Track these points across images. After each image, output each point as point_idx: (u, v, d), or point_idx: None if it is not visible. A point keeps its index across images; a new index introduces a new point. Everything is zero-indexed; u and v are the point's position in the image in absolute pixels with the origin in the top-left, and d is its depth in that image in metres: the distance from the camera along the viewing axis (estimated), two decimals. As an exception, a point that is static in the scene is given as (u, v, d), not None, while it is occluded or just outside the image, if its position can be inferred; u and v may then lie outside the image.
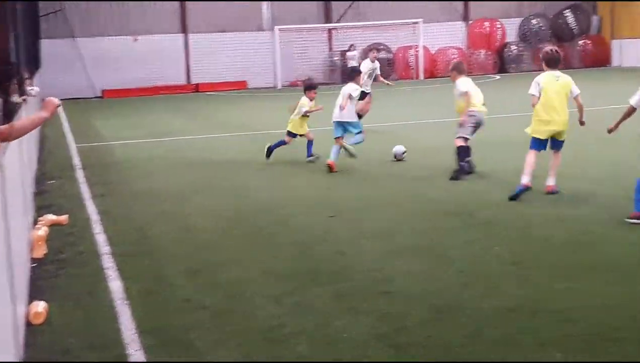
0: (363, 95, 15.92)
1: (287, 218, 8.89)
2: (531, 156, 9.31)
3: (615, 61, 41.07)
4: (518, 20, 41.84)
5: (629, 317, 5.30)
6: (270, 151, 13.36)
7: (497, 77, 38.11)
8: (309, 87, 13.47)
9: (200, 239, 8.13)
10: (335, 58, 40.15)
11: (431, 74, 39.08)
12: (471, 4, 41.61)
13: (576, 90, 9.58)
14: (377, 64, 18.19)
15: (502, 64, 41.08)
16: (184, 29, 38.21)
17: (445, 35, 40.71)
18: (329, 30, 40.58)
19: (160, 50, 37.28)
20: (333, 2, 40.44)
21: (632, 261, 6.51)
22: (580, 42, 41.44)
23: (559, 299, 5.73)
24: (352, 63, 35.61)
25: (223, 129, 19.25)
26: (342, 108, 12.24)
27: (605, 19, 42.79)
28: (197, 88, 37.09)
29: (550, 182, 9.44)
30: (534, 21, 41.52)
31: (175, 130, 19.35)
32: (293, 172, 12.24)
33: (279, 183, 11.32)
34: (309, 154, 13.17)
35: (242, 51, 38.62)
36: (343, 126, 12.26)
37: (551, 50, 9.72)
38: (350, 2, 40.73)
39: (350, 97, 12.27)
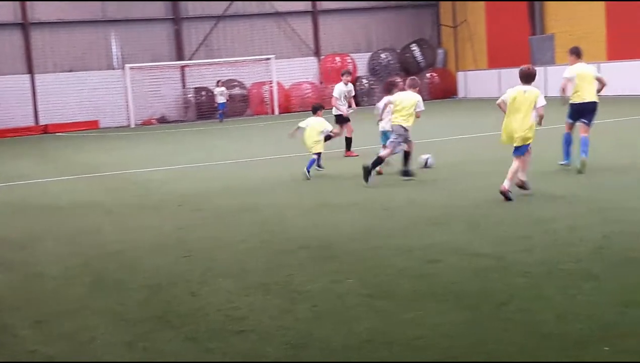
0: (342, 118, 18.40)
1: (138, 261, 8.63)
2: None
3: (461, 92, 42.72)
4: (368, 55, 42.95)
5: (469, 344, 5.40)
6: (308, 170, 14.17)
7: (350, 110, 38.77)
8: (319, 108, 15.21)
9: (46, 287, 7.77)
10: (189, 95, 39.90)
11: (286, 109, 39.44)
12: (321, 39, 42.39)
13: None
14: (350, 87, 19.35)
15: (355, 97, 41.88)
16: (29, 69, 37.02)
17: (298, 71, 41.29)
18: (182, 67, 40.32)
19: (5, 91, 36.00)
20: (185, 39, 40.24)
21: (473, 289, 6.65)
22: (428, 75, 42.92)
23: (409, 329, 5.77)
24: (221, 98, 35.69)
25: (72, 170, 18.66)
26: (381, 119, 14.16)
27: (450, 52, 44.54)
28: (46, 129, 35.97)
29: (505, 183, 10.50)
30: (383, 55, 42.73)
31: (22, 174, 18.61)
32: (144, 213, 11.95)
33: (129, 224, 11.01)
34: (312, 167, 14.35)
35: (93, 90, 37.81)
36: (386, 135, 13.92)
37: (527, 67, 10.89)
38: (202, 40, 40.64)
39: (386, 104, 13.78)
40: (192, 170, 17.39)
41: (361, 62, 42.57)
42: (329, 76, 41.72)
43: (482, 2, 41.59)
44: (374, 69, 42.73)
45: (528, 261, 7.36)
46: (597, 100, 12.99)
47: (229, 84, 39.22)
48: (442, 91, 42.60)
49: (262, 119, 35.83)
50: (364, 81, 42.23)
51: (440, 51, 44.62)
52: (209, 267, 8.08)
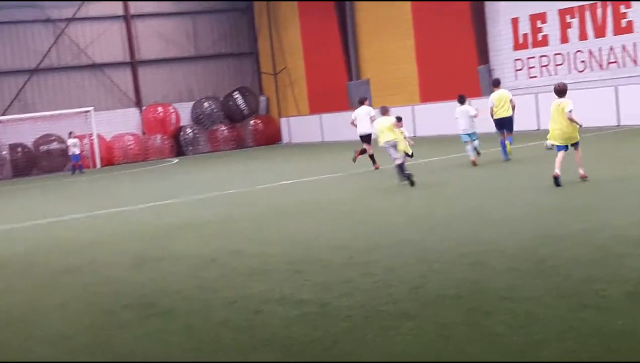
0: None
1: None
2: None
3: (285, 138, 43.45)
4: (190, 104, 42.93)
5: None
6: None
7: (175, 160, 38.61)
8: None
9: None
10: (4, 152, 38.30)
11: (108, 161, 38.66)
12: (142, 90, 42.01)
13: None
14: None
15: (179, 147, 41.77)
16: None
17: (119, 122, 40.65)
18: (-5, 123, 38.74)
19: None
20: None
21: (298, 336, 6.76)
22: (251, 122, 43.41)
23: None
24: (74, 150, 34.42)
25: None
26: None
27: (272, 99, 45.28)
28: None
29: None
30: (206, 104, 42.84)
31: None
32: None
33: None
34: None
35: None
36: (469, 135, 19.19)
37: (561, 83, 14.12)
38: (16, 94, 39.26)
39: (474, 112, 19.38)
40: (8, 230, 16.70)
41: (184, 112, 42.49)
42: (152, 127, 41.33)
43: (300, 49, 42.66)
44: (198, 118, 42.74)
45: (349, 305, 7.58)
46: (512, 115, 19.57)
47: (45, 139, 38.01)
48: (266, 138, 43.18)
49: (85, 173, 34.89)
50: (188, 130, 42.13)
51: (262, 98, 45.29)
52: (29, 334, 7.78)
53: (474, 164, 19.16)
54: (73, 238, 14.34)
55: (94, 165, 38.34)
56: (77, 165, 35.00)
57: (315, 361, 6.07)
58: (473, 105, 20.84)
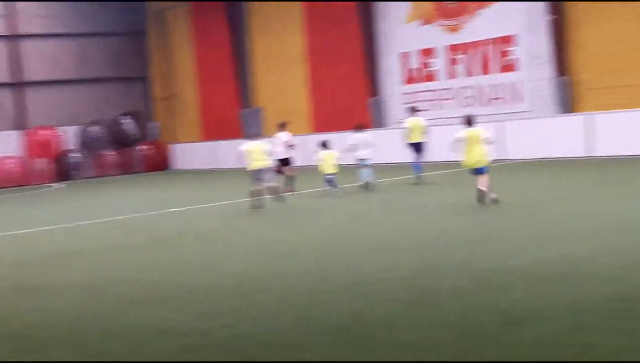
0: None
1: None
2: None
3: (175, 164, 42.90)
4: (77, 128, 41.84)
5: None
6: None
7: (58, 185, 37.56)
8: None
9: None
10: None
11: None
12: (27, 112, 40.79)
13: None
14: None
15: (64, 171, 40.61)
16: None
17: (-1, 145, 39.29)
18: None
19: None
20: None
21: None
22: (141, 148, 42.68)
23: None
24: None
25: None
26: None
27: (163, 125, 44.72)
28: None
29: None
30: (93, 128, 41.85)
31: None
32: None
33: None
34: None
35: None
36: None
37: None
38: None
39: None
40: None
41: (70, 135, 41.38)
42: (35, 150, 40.06)
43: (193, 76, 42.37)
44: (84, 142, 41.69)
45: (233, 335, 7.46)
46: (423, 141, 21.69)
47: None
48: (155, 164, 42.52)
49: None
50: (74, 155, 41.04)
51: (152, 124, 44.66)
52: None
53: (367, 188, 20.55)
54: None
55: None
56: None
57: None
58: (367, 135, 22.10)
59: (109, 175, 40.91)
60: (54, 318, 8.84)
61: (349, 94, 33.85)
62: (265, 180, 18.32)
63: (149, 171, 41.77)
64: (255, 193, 18.20)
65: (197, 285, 10.01)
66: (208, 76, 41.38)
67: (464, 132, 15.22)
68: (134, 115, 43.12)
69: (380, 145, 30.93)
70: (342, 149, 21.37)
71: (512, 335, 6.72)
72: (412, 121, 22.11)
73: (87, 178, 40.55)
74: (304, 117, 36.50)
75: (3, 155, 39.00)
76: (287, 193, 20.38)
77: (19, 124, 40.52)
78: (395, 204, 17.73)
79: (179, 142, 43.30)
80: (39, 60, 41.11)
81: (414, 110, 22.94)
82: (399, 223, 14.35)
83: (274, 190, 18.61)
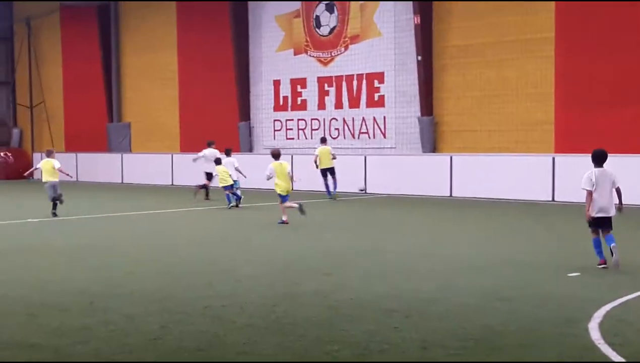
0: None
1: None
2: None
3: (38, 173, 41.51)
4: None
5: None
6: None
7: None
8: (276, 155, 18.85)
9: None
10: None
11: None
12: None
13: None
14: None
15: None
16: None
17: None
18: None
19: None
20: None
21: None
22: (2, 154, 41.25)
23: None
24: None
25: None
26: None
27: (27, 133, 43.41)
28: None
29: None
30: (-49, 131, 40.22)
31: None
32: None
33: None
34: None
35: None
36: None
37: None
38: None
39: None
40: None
41: None
42: None
43: (60, 85, 41.39)
44: (-60, 144, 39.96)
45: (83, 352, 7.42)
46: (333, 166, 25.75)
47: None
48: (17, 172, 41.09)
49: None
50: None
51: (15, 130, 43.25)
52: None
53: (237, 206, 22.63)
54: None
55: None
56: None
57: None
58: (236, 159, 24.22)
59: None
60: None
61: (219, 116, 33.93)
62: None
63: (9, 179, 40.38)
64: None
65: (47, 301, 9.85)
66: (76, 87, 40.54)
67: (272, 165, 18.45)
68: (-4, 120, 41.70)
69: (249, 169, 31.22)
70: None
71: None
72: (321, 149, 25.96)
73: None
74: (173, 135, 36.29)
75: None
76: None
77: None
78: (249, 227, 17.93)
79: (42, 151, 42.07)
80: None
81: (323, 140, 26.85)
82: (251, 249, 14.54)
83: None
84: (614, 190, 11.85)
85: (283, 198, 18.35)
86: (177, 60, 35.83)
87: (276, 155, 18.65)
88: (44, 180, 20.94)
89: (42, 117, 42.55)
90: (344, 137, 30.22)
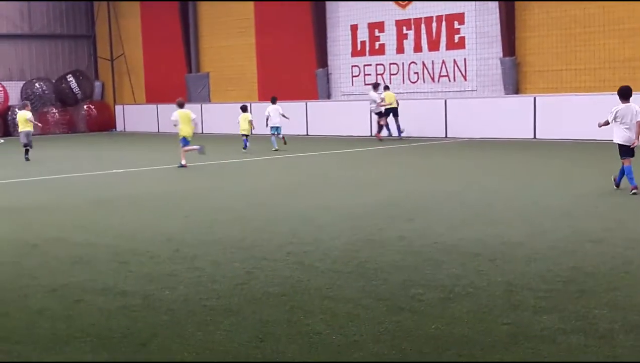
0: None
1: None
2: None
3: (120, 126, 42.46)
4: (21, 84, 41.13)
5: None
6: None
7: (1, 140, 36.93)
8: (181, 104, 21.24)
9: None
10: None
11: None
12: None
13: None
14: None
15: (6, 127, 39.92)
16: None
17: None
18: None
19: None
20: None
21: (117, 328, 6.66)
22: (85, 107, 42.10)
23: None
24: None
25: None
26: None
27: (108, 85, 44.16)
28: None
29: None
30: (37, 85, 41.14)
31: None
32: None
33: None
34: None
35: None
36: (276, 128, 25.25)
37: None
38: None
39: None
40: None
41: (14, 91, 40.62)
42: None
43: (139, 37, 41.85)
44: (28, 99, 40.93)
45: (172, 298, 7.55)
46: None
47: None
48: (99, 124, 42.05)
49: None
50: (17, 110, 40.27)
51: (97, 83, 44.06)
52: None
53: (276, 150, 24.51)
54: None
55: None
56: None
57: (130, 356, 5.99)
58: (280, 106, 25.98)
59: (52, 133, 40.34)
60: (-8, 275, 8.82)
61: (297, 63, 33.83)
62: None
63: (92, 131, 41.30)
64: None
65: (136, 249, 10.04)
66: (155, 38, 40.92)
67: (177, 112, 20.54)
68: (79, 73, 42.48)
69: (329, 117, 31.01)
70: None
71: (448, 311, 6.90)
72: (387, 94, 27.77)
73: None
74: (250, 84, 36.40)
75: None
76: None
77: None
78: (330, 176, 17.91)
79: (124, 103, 42.84)
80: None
81: (386, 88, 28.64)
82: (325, 199, 14.51)
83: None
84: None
85: (185, 142, 20.53)
86: (254, 9, 35.75)
87: (181, 104, 21.22)
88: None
89: (123, 69, 43.19)
90: (424, 81, 29.82)
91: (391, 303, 7.15)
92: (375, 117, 28.53)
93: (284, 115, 25.48)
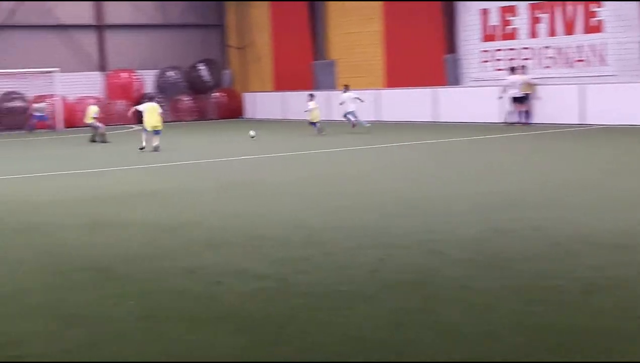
0: None
1: None
2: None
3: (248, 113, 43.20)
4: (155, 72, 42.43)
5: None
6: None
7: (137, 127, 38.19)
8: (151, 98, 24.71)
9: None
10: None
11: (71, 123, 38.01)
12: (108, 54, 41.50)
13: None
14: None
15: (141, 114, 41.28)
16: None
17: (82, 85, 40.02)
18: (-44, 76, 38.01)
19: None
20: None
21: (254, 311, 6.75)
22: (215, 95, 43.08)
23: (192, 352, 5.79)
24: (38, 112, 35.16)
25: None
26: None
27: (237, 73, 44.99)
28: None
29: None
30: (170, 73, 42.37)
31: None
32: None
33: None
34: None
35: None
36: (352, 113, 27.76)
37: None
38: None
39: None
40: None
41: (148, 79, 42.01)
42: (115, 92, 40.87)
43: (268, 26, 42.41)
44: (162, 87, 42.28)
45: (307, 282, 7.60)
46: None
47: (8, 97, 37.44)
48: (229, 111, 42.88)
49: (44, 134, 34.39)
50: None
51: (227, 72, 44.95)
52: (-20, 291, 7.68)
53: (353, 126, 27.25)
54: (28, 198, 14.16)
55: (55, 126, 37.76)
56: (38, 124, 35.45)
57: (270, 338, 6.07)
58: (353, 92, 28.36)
59: (183, 120, 41.51)
60: (135, 254, 9.10)
61: (424, 49, 33.47)
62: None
63: (222, 118, 42.19)
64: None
65: (271, 233, 10.17)
66: (283, 27, 41.34)
67: (144, 105, 24.11)
68: (209, 62, 43.48)
69: (455, 103, 30.58)
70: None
71: (589, 303, 6.67)
72: (516, 77, 27.90)
73: (164, 122, 41.14)
74: (377, 71, 36.29)
75: (85, 95, 39.75)
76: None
77: (102, 66, 41.32)
78: (455, 162, 17.63)
79: (251, 91, 43.56)
80: (121, 4, 41.68)
81: (514, 69, 28.35)
82: (453, 186, 14.27)
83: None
84: None
85: (146, 132, 23.43)
86: (382, -5, 35.57)
87: (151, 98, 26.14)
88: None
89: (251, 57, 43.89)
90: (558, 66, 28.93)
91: (529, 295, 6.97)
92: (508, 102, 28.01)
93: (358, 99, 27.94)
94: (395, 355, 5.62)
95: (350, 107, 27.78)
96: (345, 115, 27.95)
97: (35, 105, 35.93)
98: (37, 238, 10.32)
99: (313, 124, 27.49)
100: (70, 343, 6.07)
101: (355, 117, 27.69)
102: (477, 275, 7.74)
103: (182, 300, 7.13)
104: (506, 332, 6.00)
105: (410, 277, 7.71)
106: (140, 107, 24.92)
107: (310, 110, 27.77)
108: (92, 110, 28.70)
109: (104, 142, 27.50)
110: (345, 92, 28.34)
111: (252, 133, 26.01)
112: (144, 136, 23.42)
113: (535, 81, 27.85)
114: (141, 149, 22.91)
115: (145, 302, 7.13)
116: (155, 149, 22.68)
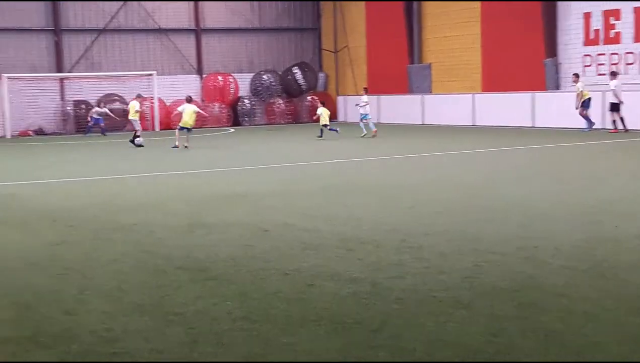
0: None
1: (6, 280, 8.33)
2: None
3: (341, 116, 43.31)
4: (250, 76, 43.03)
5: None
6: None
7: (231, 129, 38.79)
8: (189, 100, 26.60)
9: None
10: (68, 108, 39.00)
11: (167, 125, 38.91)
12: (204, 58, 42.29)
13: None
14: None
15: (236, 117, 41.96)
16: None
17: (179, 88, 40.89)
18: (61, 79, 39.35)
19: None
20: (65, 51, 39.42)
21: (347, 314, 6.73)
22: (309, 98, 43.36)
23: (285, 353, 5.81)
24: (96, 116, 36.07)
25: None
26: None
27: (331, 77, 45.16)
28: None
29: None
30: (265, 77, 42.88)
31: None
32: (13, 228, 11.56)
33: (2, 239, 10.64)
34: None
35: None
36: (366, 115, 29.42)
37: None
38: (82, 52, 39.89)
39: None
40: (66, 184, 16.97)
41: (243, 83, 42.62)
42: (211, 95, 41.61)
43: (363, 29, 42.43)
44: (256, 90, 42.84)
45: (401, 287, 7.54)
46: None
47: (108, 98, 38.55)
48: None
49: (143, 135, 35.23)
50: (246, 101, 42.29)
51: (321, 75, 45.18)
52: (84, 286, 7.89)
53: (374, 135, 28.55)
54: (127, 198, 14.52)
55: (153, 128, 38.69)
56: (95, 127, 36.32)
57: (363, 341, 6.04)
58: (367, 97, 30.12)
59: (277, 123, 41.91)
60: (231, 255, 9.20)
61: (522, 53, 32.88)
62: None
63: (315, 121, 42.38)
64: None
65: (364, 237, 10.13)
66: (378, 30, 41.29)
67: (185, 105, 25.92)
68: (304, 65, 43.81)
69: (554, 108, 30.00)
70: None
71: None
72: (581, 85, 27.97)
73: (257, 124, 41.72)
74: (474, 75, 35.85)
75: (182, 97, 40.54)
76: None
77: (198, 69, 42.15)
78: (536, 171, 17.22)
79: (346, 95, 43.63)
80: (218, 9, 42.46)
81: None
82: (549, 189, 13.93)
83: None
84: None
85: (182, 129, 25.72)
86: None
87: (188, 100, 26.32)
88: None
89: (346, 61, 44.00)
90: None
91: (634, 305, 6.74)
92: (606, 108, 27.30)
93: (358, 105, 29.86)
94: (493, 362, 5.52)
95: (367, 109, 29.27)
96: (361, 119, 29.45)
97: (97, 109, 36.61)
98: (135, 238, 10.55)
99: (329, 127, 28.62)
100: (169, 341, 6.17)
101: (368, 120, 29.21)
102: (578, 283, 7.53)
103: (277, 301, 7.17)
104: (609, 342, 5.82)
105: (507, 284, 7.56)
106: (179, 108, 26.53)
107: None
108: (134, 106, 28.14)
109: (132, 143, 27.30)
110: (365, 95, 30.25)
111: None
112: (177, 133, 25.98)
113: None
114: (174, 147, 25.55)
115: (242, 302, 7.19)
116: (184, 146, 25.19)
